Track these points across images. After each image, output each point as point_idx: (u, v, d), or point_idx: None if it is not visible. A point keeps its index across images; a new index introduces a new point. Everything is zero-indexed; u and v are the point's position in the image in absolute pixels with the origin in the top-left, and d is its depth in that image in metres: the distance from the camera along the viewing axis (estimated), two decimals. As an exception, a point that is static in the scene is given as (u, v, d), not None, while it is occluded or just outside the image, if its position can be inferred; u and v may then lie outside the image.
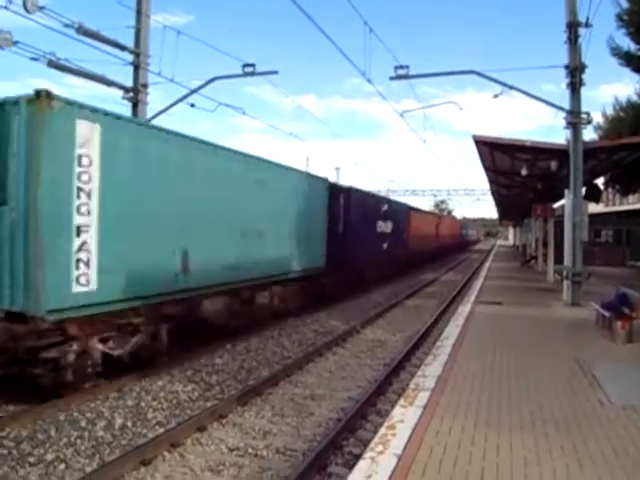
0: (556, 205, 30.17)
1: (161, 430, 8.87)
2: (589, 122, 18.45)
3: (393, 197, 57.26)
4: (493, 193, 48.74)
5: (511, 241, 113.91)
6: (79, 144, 9.71)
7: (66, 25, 14.87)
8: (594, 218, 27.47)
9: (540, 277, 29.29)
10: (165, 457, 7.90)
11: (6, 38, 13.31)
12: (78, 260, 9.72)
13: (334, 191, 22.40)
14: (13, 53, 13.89)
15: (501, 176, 29.79)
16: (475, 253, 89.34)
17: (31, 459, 7.61)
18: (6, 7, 13.01)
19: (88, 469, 7.43)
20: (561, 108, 18.17)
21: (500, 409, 7.48)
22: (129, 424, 9.08)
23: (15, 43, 13.73)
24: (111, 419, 9.18)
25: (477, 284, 26.17)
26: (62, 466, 7.50)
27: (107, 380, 10.83)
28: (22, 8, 13.32)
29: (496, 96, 18.46)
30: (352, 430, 8.96)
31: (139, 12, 18.05)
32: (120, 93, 18.20)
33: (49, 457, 7.71)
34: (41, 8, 13.66)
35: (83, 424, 8.88)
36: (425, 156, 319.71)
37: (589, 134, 32.99)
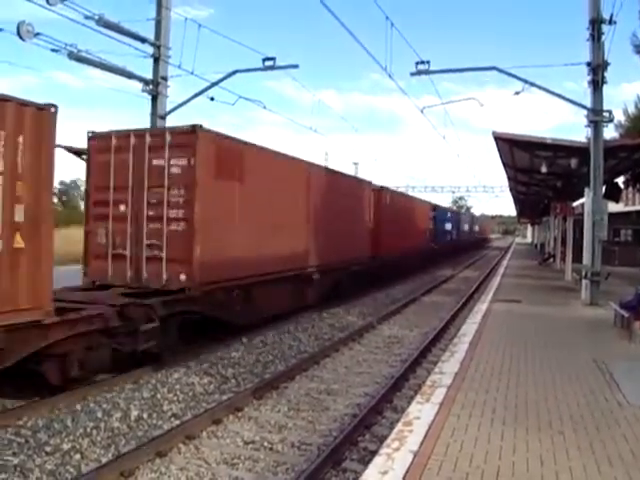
0: (575, 204, 29.91)
1: (177, 422, 8.91)
2: (611, 120, 18.26)
3: (412, 193, 55.59)
4: (512, 190, 48.40)
5: (529, 239, 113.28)
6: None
7: (87, 17, 14.92)
8: (613, 217, 27.16)
9: (558, 276, 29.10)
10: (180, 449, 7.92)
11: (28, 30, 13.38)
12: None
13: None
14: (35, 45, 13.96)
15: (520, 173, 29.58)
16: (493, 249, 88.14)
17: (47, 448, 7.66)
18: (29, -1, 13.09)
19: (104, 460, 7.47)
20: (582, 106, 17.98)
21: (517, 407, 7.43)
22: (145, 416, 9.12)
23: (36, 35, 13.80)
24: (127, 410, 9.21)
25: (495, 281, 26.05)
26: (78, 456, 7.55)
27: (123, 372, 10.91)
28: (44, 0, 13.40)
29: (517, 93, 18.36)
30: (368, 426, 8.94)
31: (160, 4, 18.08)
32: (140, 86, 18.25)
33: (65, 447, 7.75)
34: (63, 0, 13.72)
35: (99, 415, 8.93)
36: (445, 152, 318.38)
37: (610, 132, 32.74)
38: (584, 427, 6.71)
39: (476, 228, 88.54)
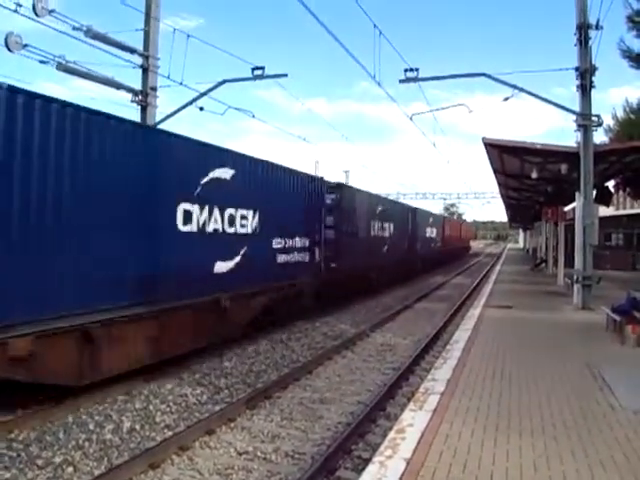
0: (567, 208, 30.00)
1: (170, 433, 8.85)
2: (599, 124, 18.34)
3: (403, 200, 54.94)
4: (503, 196, 48.52)
5: (521, 244, 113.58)
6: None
7: (75, 28, 14.90)
8: (604, 221, 27.29)
9: (550, 280, 29.19)
10: (174, 460, 7.88)
11: (16, 41, 13.36)
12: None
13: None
14: (23, 56, 13.93)
15: (511, 179, 29.70)
16: (486, 256, 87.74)
17: (39, 462, 7.60)
18: (16, 10, 13.06)
19: (96, 472, 7.40)
20: (571, 111, 18.08)
21: (510, 413, 7.43)
22: (137, 427, 9.06)
23: (25, 46, 13.77)
24: (119, 422, 9.16)
25: (487, 287, 26.08)
26: (70, 469, 7.48)
27: (115, 383, 10.84)
28: (32, 12, 13.37)
29: (506, 99, 18.43)
30: (361, 434, 8.91)
31: (148, 15, 18.08)
32: (129, 96, 18.21)
33: (57, 460, 7.69)
34: (50, 11, 13.70)
35: (91, 427, 8.87)
36: (435, 159, 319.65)
37: (600, 136, 32.91)
38: (577, 432, 6.71)
39: (431, 233, 46.84)
